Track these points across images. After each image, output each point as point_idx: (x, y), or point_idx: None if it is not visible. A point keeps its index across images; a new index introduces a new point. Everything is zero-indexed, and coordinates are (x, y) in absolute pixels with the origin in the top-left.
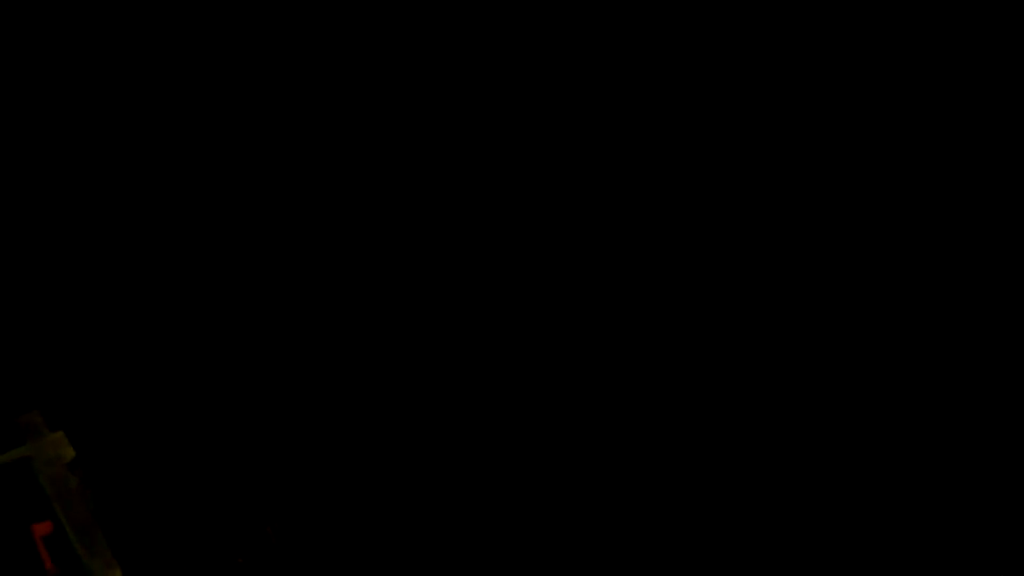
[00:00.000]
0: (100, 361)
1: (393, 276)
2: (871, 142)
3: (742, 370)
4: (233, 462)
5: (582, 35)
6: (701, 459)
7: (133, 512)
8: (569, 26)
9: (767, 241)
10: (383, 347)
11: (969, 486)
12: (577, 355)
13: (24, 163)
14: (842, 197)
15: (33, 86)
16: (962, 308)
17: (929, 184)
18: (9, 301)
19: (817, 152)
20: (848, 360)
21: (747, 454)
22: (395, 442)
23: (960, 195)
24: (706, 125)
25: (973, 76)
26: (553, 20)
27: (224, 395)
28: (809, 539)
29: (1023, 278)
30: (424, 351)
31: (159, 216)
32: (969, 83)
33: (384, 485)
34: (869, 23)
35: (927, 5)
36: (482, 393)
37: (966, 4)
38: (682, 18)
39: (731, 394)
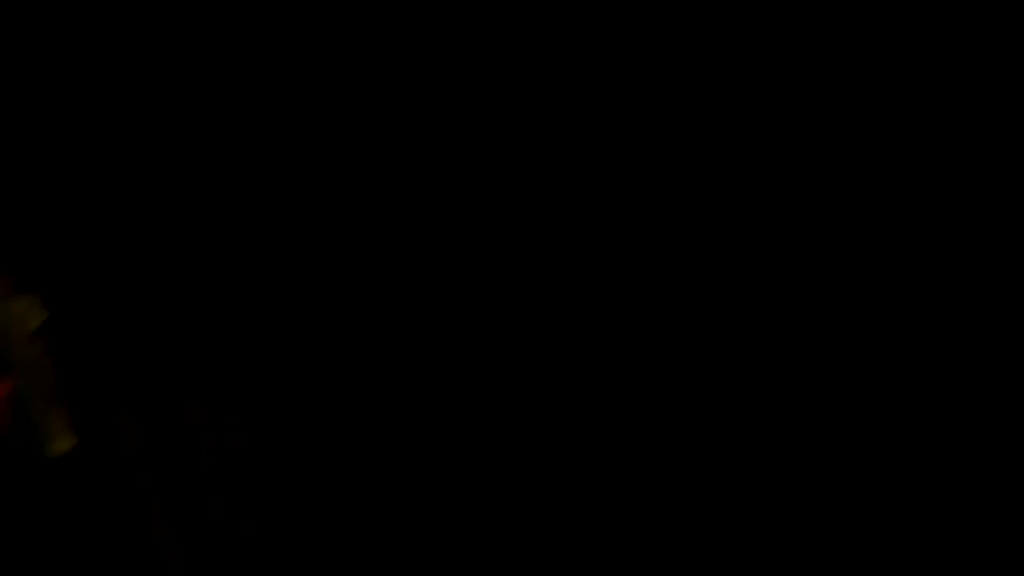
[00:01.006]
0: (76, 225)
1: (392, 276)
2: (871, 142)
3: (742, 370)
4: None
5: (582, 35)
6: (701, 459)
7: (94, 382)
8: (569, 26)
9: (767, 241)
10: (382, 346)
11: (970, 486)
12: (577, 355)
13: None
14: (842, 197)
15: None
16: (962, 308)
17: (929, 184)
18: None
19: (817, 152)
20: (848, 360)
21: (747, 454)
22: (394, 441)
23: (960, 195)
24: (706, 125)
25: (973, 76)
26: (553, 20)
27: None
28: (808, 539)
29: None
30: (422, 350)
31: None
32: (969, 83)
33: (382, 484)
34: (869, 23)
35: (927, 5)
36: (482, 393)
37: (966, 4)
38: (682, 18)
39: (731, 394)
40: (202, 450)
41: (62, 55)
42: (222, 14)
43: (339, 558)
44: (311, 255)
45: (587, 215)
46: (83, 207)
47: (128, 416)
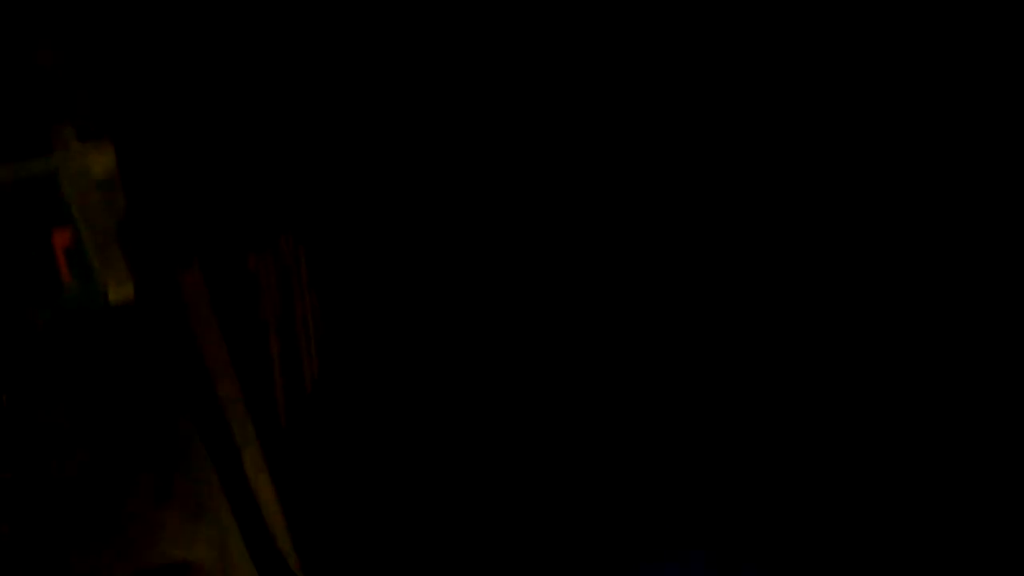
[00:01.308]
0: (146, 70)
1: (391, 275)
2: (871, 142)
3: (741, 370)
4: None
5: (582, 35)
6: (700, 459)
7: (157, 231)
8: (569, 27)
9: (766, 241)
10: (381, 346)
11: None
12: (577, 355)
13: None
14: (842, 197)
15: None
16: (961, 308)
17: (929, 184)
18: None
19: (816, 152)
20: (847, 360)
21: (746, 454)
22: (393, 441)
23: (960, 195)
24: (706, 125)
25: (973, 76)
26: (553, 20)
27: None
28: (808, 538)
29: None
30: (423, 349)
31: None
32: (969, 83)
33: (382, 484)
34: (869, 23)
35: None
36: (481, 392)
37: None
38: (682, 18)
39: (730, 394)
40: (265, 300)
41: None
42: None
43: (396, 424)
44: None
45: (587, 215)
46: (155, 50)
47: (190, 265)
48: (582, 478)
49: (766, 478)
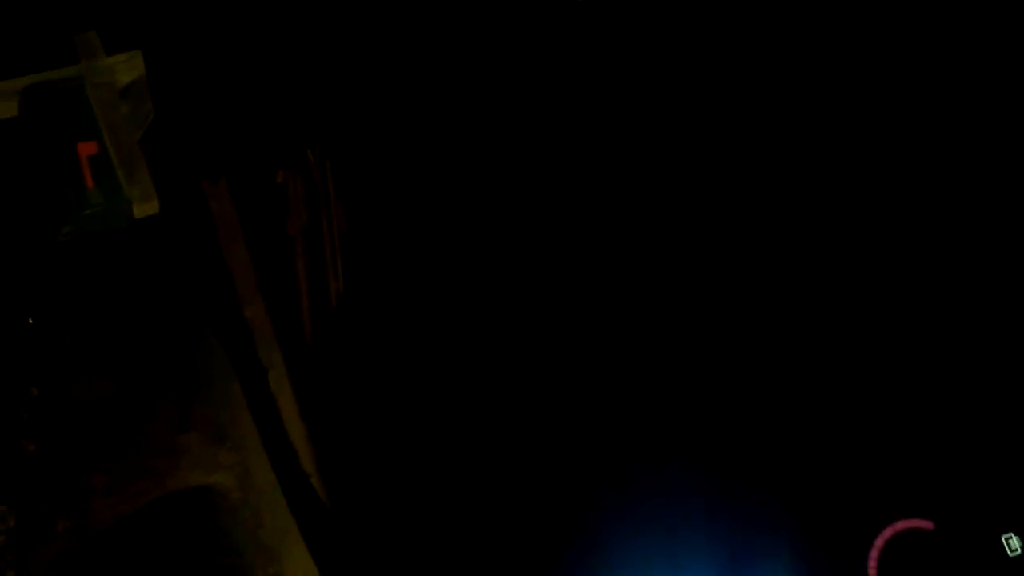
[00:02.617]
0: None
1: (417, 194)
2: (871, 142)
3: (741, 369)
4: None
5: (582, 36)
6: (700, 459)
7: (183, 146)
8: (570, 27)
9: (767, 241)
10: (406, 264)
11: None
12: (577, 355)
13: None
14: (842, 197)
15: None
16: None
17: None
18: None
19: (816, 152)
20: (847, 360)
21: (746, 453)
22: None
23: (960, 195)
24: (706, 125)
25: (973, 76)
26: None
27: None
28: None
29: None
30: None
31: None
32: (969, 83)
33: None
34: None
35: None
36: (481, 392)
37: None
38: (682, 18)
39: (730, 394)
40: (292, 215)
41: None
42: None
43: (418, 347)
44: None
45: (588, 216)
46: None
47: (218, 180)
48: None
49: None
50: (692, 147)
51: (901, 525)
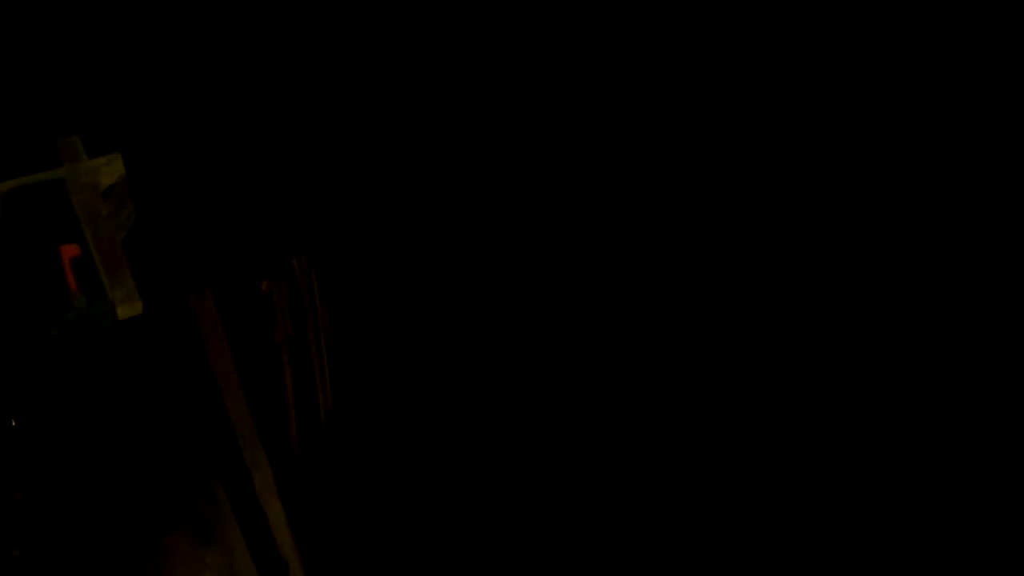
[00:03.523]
0: (153, 90)
1: (404, 300)
2: (871, 142)
3: (740, 370)
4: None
5: (582, 36)
6: (700, 459)
7: (164, 247)
8: (569, 27)
9: (766, 241)
10: (393, 370)
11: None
12: (577, 356)
13: None
14: (841, 197)
15: None
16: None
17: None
18: (61, 31)
19: (816, 152)
20: (847, 360)
21: (746, 454)
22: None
23: (960, 195)
24: (706, 126)
25: (973, 76)
26: (554, 21)
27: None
28: (807, 538)
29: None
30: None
31: None
32: (969, 83)
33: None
34: (869, 23)
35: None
36: (490, 418)
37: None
38: (682, 18)
39: (730, 394)
40: (278, 324)
41: None
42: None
43: (405, 450)
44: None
45: (587, 216)
46: (167, 65)
47: (202, 289)
48: (582, 478)
49: (765, 477)
50: (689, 147)
51: None
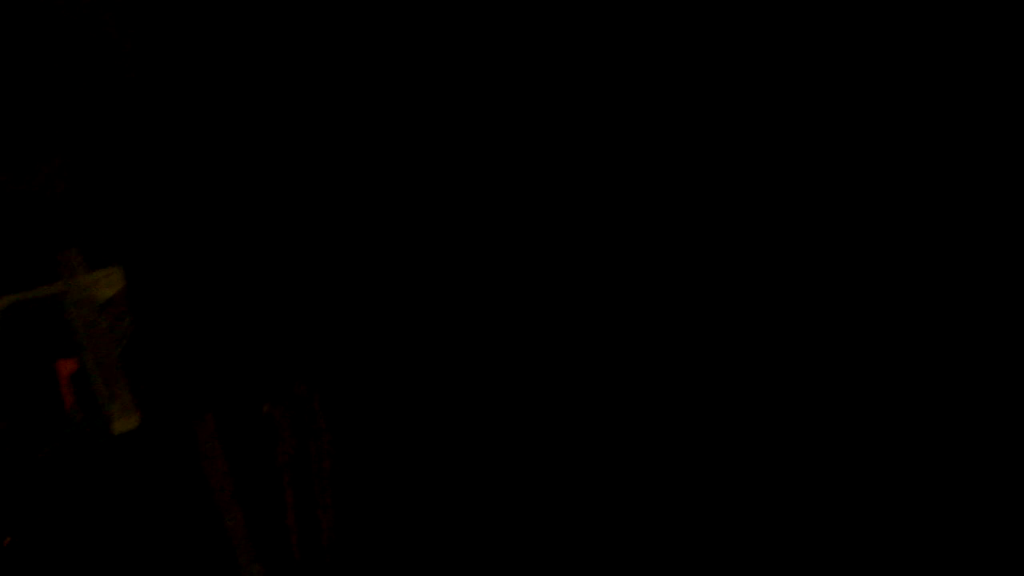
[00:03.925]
0: (152, 202)
1: (391, 276)
2: (871, 142)
3: (741, 370)
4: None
5: (582, 36)
6: (700, 459)
7: (162, 361)
8: (569, 27)
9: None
10: (381, 346)
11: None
12: (577, 356)
13: None
14: (842, 197)
15: None
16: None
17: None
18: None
19: (816, 152)
20: (847, 360)
21: (746, 454)
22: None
23: (960, 195)
24: (706, 126)
25: (973, 76)
26: (553, 21)
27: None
28: (808, 539)
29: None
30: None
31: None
32: (969, 83)
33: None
34: (869, 23)
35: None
36: (480, 393)
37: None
38: (682, 18)
39: (730, 394)
40: (280, 448)
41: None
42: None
43: (413, 553)
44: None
45: (587, 216)
46: (169, 187)
47: (202, 412)
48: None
49: (765, 478)
50: (689, 147)
51: None
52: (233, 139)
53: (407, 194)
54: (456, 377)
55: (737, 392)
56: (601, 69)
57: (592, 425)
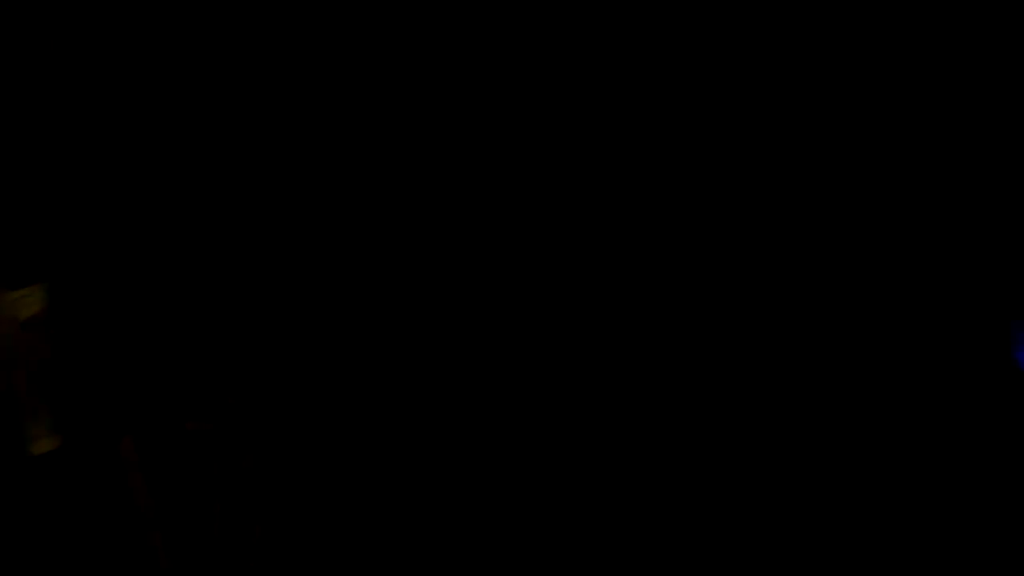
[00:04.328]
0: (80, 222)
1: (390, 276)
2: (871, 142)
3: (741, 370)
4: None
5: (582, 35)
6: (700, 459)
7: (82, 384)
8: (569, 26)
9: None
10: (383, 350)
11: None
12: (577, 356)
13: None
14: (841, 197)
15: None
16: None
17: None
18: None
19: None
20: (847, 360)
21: (746, 454)
22: (396, 445)
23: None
24: (706, 126)
25: (973, 76)
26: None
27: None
28: (808, 539)
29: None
30: (423, 352)
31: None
32: (969, 83)
33: (384, 489)
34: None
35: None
36: (480, 393)
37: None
38: (682, 18)
39: (730, 394)
40: (205, 460)
41: (64, 56)
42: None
43: (341, 567)
44: (313, 262)
45: (587, 216)
46: (89, 205)
47: (124, 430)
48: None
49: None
50: (689, 147)
51: None
52: (147, 152)
53: (330, 197)
54: (394, 380)
55: (737, 392)
56: (601, 69)
57: (574, 425)
